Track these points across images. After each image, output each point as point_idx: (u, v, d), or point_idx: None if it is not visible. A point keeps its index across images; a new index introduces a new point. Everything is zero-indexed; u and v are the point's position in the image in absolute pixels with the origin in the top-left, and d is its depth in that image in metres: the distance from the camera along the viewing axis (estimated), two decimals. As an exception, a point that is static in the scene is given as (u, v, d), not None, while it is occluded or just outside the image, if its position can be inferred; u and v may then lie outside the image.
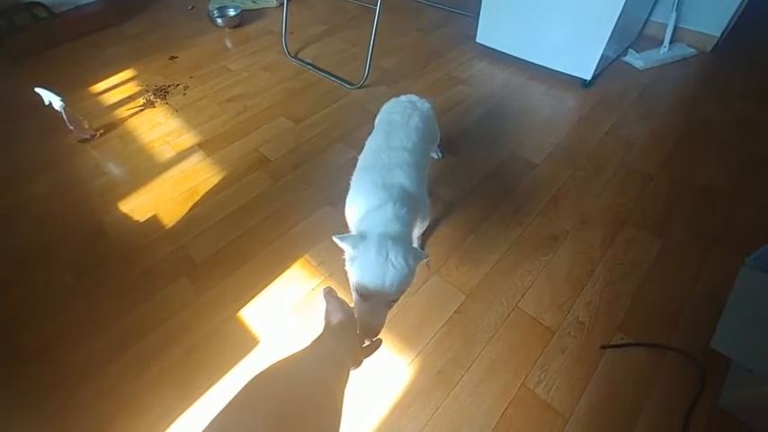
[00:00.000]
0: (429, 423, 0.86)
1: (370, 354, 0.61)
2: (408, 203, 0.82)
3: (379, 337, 0.64)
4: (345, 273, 1.12)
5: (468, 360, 0.96)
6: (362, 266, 0.68)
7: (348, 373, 0.49)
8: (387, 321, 0.69)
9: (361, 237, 0.72)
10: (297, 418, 0.32)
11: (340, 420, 0.38)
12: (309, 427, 0.32)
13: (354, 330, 0.60)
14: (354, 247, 0.70)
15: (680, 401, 0.87)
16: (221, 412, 0.31)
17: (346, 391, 0.44)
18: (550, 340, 0.98)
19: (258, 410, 0.31)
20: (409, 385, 0.92)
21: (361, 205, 0.83)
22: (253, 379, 0.36)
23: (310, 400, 0.35)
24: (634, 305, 1.04)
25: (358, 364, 0.56)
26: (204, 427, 0.30)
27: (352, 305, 0.66)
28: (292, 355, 0.43)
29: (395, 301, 0.70)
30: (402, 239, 0.73)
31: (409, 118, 1.04)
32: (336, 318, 0.59)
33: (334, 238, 0.71)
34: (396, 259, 0.67)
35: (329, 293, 0.64)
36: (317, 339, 0.52)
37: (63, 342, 1.03)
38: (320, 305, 1.07)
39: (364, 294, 0.67)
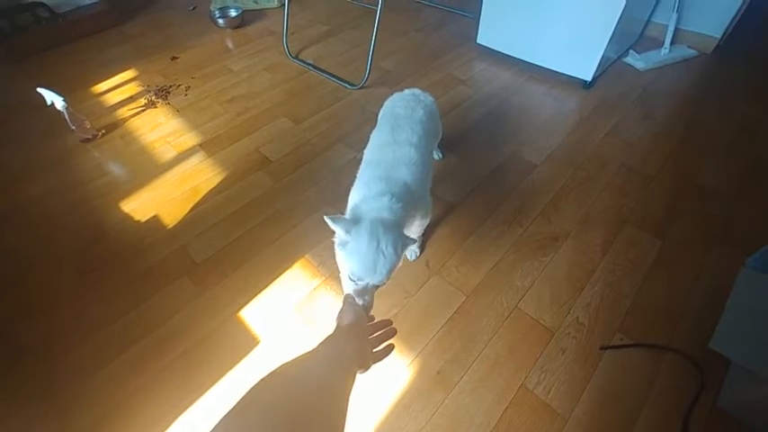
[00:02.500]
0: (429, 423, 0.87)
1: (381, 359, 0.60)
2: (406, 199, 0.83)
3: (391, 342, 0.64)
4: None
5: (468, 360, 0.96)
6: (354, 253, 0.70)
7: (354, 376, 0.49)
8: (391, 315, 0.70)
9: (354, 221, 0.74)
10: (299, 423, 0.32)
11: (344, 424, 0.38)
12: (313, 430, 0.32)
13: (364, 333, 0.60)
14: (347, 231, 0.71)
15: (679, 402, 0.87)
16: (226, 416, 0.31)
17: (352, 394, 0.44)
18: (550, 341, 0.98)
19: (262, 415, 0.32)
20: (409, 385, 0.92)
21: (361, 193, 0.85)
22: (259, 382, 0.36)
23: (315, 405, 0.35)
24: (634, 306, 1.04)
25: (366, 367, 0.55)
26: (213, 427, 0.30)
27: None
28: (300, 357, 0.44)
29: (383, 283, 0.72)
30: (392, 228, 0.73)
31: (413, 111, 1.04)
32: (347, 320, 0.59)
33: (326, 218, 0.71)
34: (386, 248, 0.69)
35: (348, 297, 0.66)
36: (325, 341, 0.52)
37: (63, 341, 1.03)
38: (321, 305, 1.09)
39: (354, 278, 0.70)
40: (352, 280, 0.70)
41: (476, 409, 0.88)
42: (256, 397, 0.34)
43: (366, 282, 0.69)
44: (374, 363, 0.58)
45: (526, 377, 0.93)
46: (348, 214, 0.85)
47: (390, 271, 0.70)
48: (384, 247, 0.69)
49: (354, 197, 0.89)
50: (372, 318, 0.69)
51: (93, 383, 0.95)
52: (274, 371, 0.38)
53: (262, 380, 0.36)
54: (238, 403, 0.33)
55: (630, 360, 0.95)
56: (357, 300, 0.68)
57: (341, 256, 0.73)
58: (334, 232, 0.75)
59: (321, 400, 0.37)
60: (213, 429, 0.30)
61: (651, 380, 0.91)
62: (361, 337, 0.57)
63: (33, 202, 1.40)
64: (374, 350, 0.60)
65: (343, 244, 0.72)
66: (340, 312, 0.62)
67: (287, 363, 0.41)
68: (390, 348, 0.63)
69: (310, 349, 0.48)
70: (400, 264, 0.74)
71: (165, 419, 0.89)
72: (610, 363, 0.94)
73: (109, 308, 1.09)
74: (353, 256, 0.69)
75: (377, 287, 0.72)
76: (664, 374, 0.92)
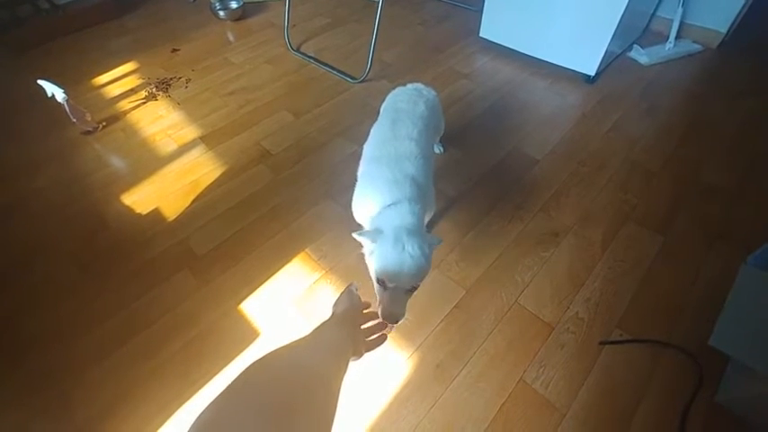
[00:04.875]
0: (427, 416, 0.87)
1: (373, 348, 0.61)
2: (420, 198, 0.85)
3: (383, 333, 0.64)
4: (345, 267, 1.14)
5: (467, 354, 0.96)
6: (382, 257, 0.72)
7: (347, 362, 0.49)
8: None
9: (379, 231, 0.76)
10: (289, 407, 0.32)
11: (335, 409, 0.38)
12: (302, 415, 0.32)
13: (358, 321, 0.60)
14: (374, 241, 0.75)
15: (677, 397, 0.88)
16: (216, 399, 0.31)
17: (344, 380, 0.44)
18: (549, 336, 0.98)
19: (251, 398, 0.32)
20: (408, 378, 0.93)
21: (376, 202, 0.85)
22: (250, 366, 0.36)
23: (304, 389, 0.35)
24: (634, 302, 1.04)
25: (359, 355, 0.56)
26: (200, 413, 0.30)
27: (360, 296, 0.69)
28: (292, 343, 0.44)
29: (414, 288, 0.74)
30: (416, 231, 0.76)
31: (415, 105, 1.04)
32: (342, 307, 0.59)
33: (354, 235, 0.76)
34: (412, 249, 0.72)
35: (350, 286, 0.66)
36: (318, 327, 0.52)
37: (65, 332, 1.04)
38: (321, 299, 1.09)
39: (385, 284, 0.72)
40: (381, 286, 0.72)
41: (474, 402, 0.89)
42: (247, 381, 0.34)
43: (395, 285, 0.71)
44: (367, 351, 0.59)
45: (525, 371, 0.93)
46: (369, 225, 0.86)
47: (419, 273, 0.72)
48: (411, 250, 0.71)
49: (365, 204, 0.89)
50: (368, 305, 0.69)
51: (95, 374, 0.96)
52: (266, 356, 0.39)
53: (253, 364, 0.36)
54: (229, 387, 0.33)
55: (629, 356, 0.95)
56: (389, 309, 0.69)
57: (370, 263, 0.76)
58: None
59: (311, 386, 0.37)
60: (203, 412, 0.30)
61: (650, 375, 0.91)
62: (354, 325, 0.58)
63: (36, 194, 1.40)
64: (367, 339, 0.61)
65: (371, 252, 0.75)
66: (336, 300, 0.63)
67: (279, 348, 0.41)
68: (383, 338, 0.63)
69: (301, 336, 0.48)
70: (429, 266, 0.75)
71: (167, 410, 0.90)
72: (608, 358, 0.94)
73: (111, 300, 1.09)
74: (381, 261, 0.72)
75: (409, 293, 0.73)
76: (662, 370, 0.92)
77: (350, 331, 0.55)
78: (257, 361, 0.37)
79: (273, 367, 0.38)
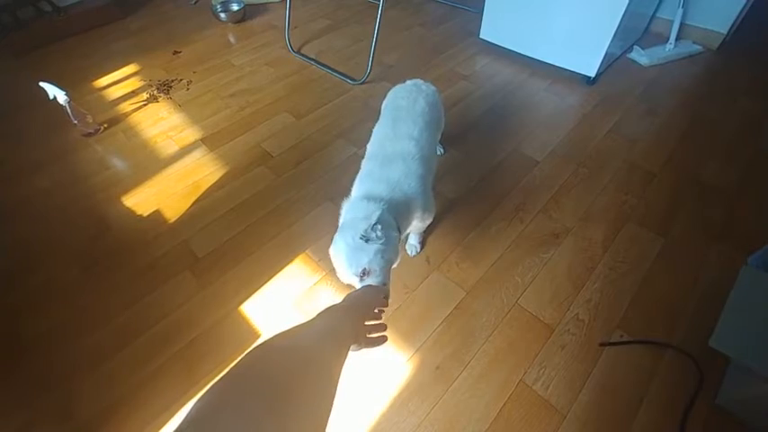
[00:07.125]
0: (428, 417, 0.87)
1: (373, 346, 0.61)
2: (399, 197, 0.86)
3: (384, 334, 0.64)
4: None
5: (468, 356, 0.96)
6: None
7: (347, 350, 0.49)
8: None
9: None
10: (288, 389, 0.32)
11: (334, 394, 0.38)
12: (300, 397, 0.33)
13: (363, 311, 0.61)
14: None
15: (678, 399, 0.88)
16: (218, 381, 0.32)
17: (344, 365, 0.45)
18: (550, 337, 0.98)
19: (251, 380, 0.32)
20: (409, 380, 0.93)
21: (355, 191, 0.89)
22: (252, 350, 0.36)
23: (303, 371, 0.36)
24: (634, 303, 1.04)
25: (359, 345, 0.56)
26: (201, 394, 0.30)
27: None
28: (294, 328, 0.44)
29: (362, 275, 0.75)
30: (358, 225, 0.76)
31: (415, 102, 1.05)
32: (354, 295, 0.61)
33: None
34: (343, 242, 0.76)
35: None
36: (320, 313, 0.52)
37: (68, 333, 1.04)
38: (321, 301, 1.09)
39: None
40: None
41: (475, 404, 0.89)
42: (248, 364, 0.34)
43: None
44: (366, 347, 0.59)
45: (525, 373, 0.93)
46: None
47: (348, 260, 0.74)
48: (341, 243, 0.76)
49: (353, 192, 0.92)
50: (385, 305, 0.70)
51: (99, 375, 0.97)
52: (268, 339, 0.39)
53: (255, 348, 0.37)
54: (230, 370, 0.33)
55: (630, 357, 0.95)
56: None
57: None
58: (336, 229, 0.78)
59: (311, 368, 0.37)
60: (205, 393, 0.30)
61: (650, 377, 0.91)
62: (360, 315, 0.58)
63: (36, 196, 1.41)
64: (368, 335, 0.61)
65: None
66: (351, 291, 0.65)
67: (282, 332, 0.42)
68: (383, 340, 0.63)
69: (304, 322, 0.48)
70: (376, 259, 0.74)
71: (169, 411, 0.90)
72: (609, 359, 0.94)
73: (113, 301, 1.10)
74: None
75: (362, 277, 0.75)
76: (663, 372, 0.92)
77: (353, 319, 0.55)
78: (260, 345, 0.38)
79: (274, 350, 0.38)
